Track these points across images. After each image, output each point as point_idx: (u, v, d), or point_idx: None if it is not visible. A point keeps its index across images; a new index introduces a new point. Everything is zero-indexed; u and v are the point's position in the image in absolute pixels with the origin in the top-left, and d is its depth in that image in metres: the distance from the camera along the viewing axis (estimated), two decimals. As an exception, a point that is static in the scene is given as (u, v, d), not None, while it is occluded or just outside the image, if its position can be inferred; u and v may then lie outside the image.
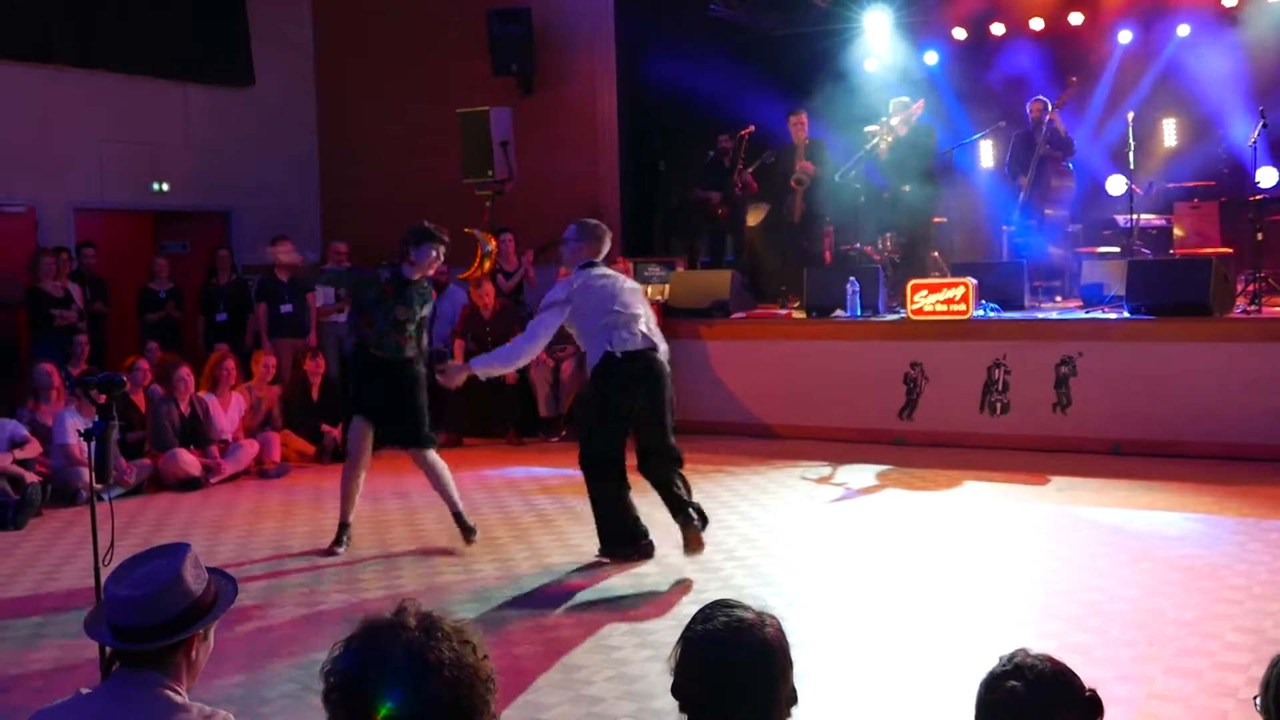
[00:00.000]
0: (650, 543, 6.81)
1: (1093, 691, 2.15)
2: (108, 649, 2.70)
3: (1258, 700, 2.31)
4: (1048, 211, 11.93)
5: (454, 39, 13.90)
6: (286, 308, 11.93)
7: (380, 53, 14.46)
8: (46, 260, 11.23)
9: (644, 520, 6.84)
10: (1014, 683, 2.13)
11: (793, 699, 2.29)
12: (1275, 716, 2.24)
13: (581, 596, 6.22)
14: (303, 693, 4.88)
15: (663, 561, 6.79)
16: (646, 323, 6.76)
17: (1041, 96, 12.09)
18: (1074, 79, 12.07)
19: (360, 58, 14.63)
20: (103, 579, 3.83)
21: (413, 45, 14.20)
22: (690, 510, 6.62)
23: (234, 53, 14.22)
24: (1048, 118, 11.80)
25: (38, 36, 12.42)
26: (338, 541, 7.29)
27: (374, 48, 14.52)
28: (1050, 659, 2.19)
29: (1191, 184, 12.62)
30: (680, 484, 6.74)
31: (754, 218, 13.49)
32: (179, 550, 2.61)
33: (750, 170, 12.79)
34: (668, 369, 6.79)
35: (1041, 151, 11.84)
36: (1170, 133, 13.14)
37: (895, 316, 10.76)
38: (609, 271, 6.91)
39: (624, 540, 6.80)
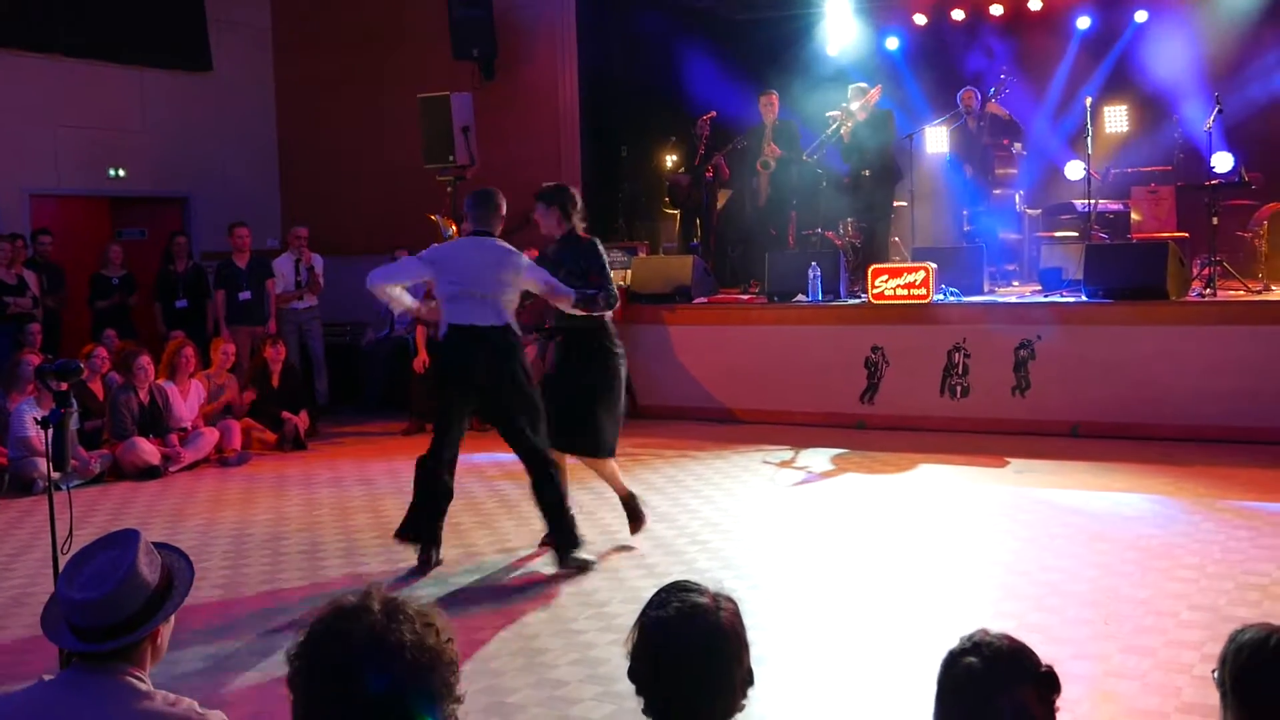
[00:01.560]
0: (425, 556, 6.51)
1: (1049, 668, 2.18)
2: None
3: (1215, 674, 2.36)
4: (995, 192, 12.04)
5: (414, 23, 13.81)
6: (245, 295, 11.84)
7: (339, 37, 14.35)
8: (3, 247, 11.09)
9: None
10: (972, 659, 2.16)
11: (748, 681, 2.31)
12: (1232, 690, 2.29)
13: (545, 581, 6.23)
14: (266, 680, 4.87)
15: (626, 546, 6.82)
16: (503, 299, 6.32)
17: (972, 86, 12.20)
18: (1005, 72, 12.18)
19: (319, 42, 14.51)
20: (60, 568, 3.80)
21: (372, 29, 14.10)
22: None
23: (191, 38, 14.06)
24: (986, 108, 11.91)
25: (-8, 21, 12.26)
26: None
27: (333, 32, 14.40)
28: (1008, 637, 2.22)
29: (1148, 169, 12.75)
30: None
31: (722, 201, 13.51)
32: (129, 540, 2.55)
33: (723, 153, 12.81)
34: (504, 352, 6.32)
35: (983, 141, 11.94)
36: (1127, 118, 13.27)
37: (856, 301, 10.82)
38: (482, 242, 6.46)
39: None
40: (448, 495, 6.59)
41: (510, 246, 6.52)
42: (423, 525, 6.51)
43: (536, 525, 7.33)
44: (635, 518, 6.89)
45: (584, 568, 6.34)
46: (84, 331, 11.79)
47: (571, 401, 6.65)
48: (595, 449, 6.74)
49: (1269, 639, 2.27)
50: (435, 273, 6.46)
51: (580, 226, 6.80)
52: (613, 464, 6.88)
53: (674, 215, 13.75)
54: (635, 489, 8.21)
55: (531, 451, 6.44)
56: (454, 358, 6.38)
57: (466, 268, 6.36)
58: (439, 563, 6.54)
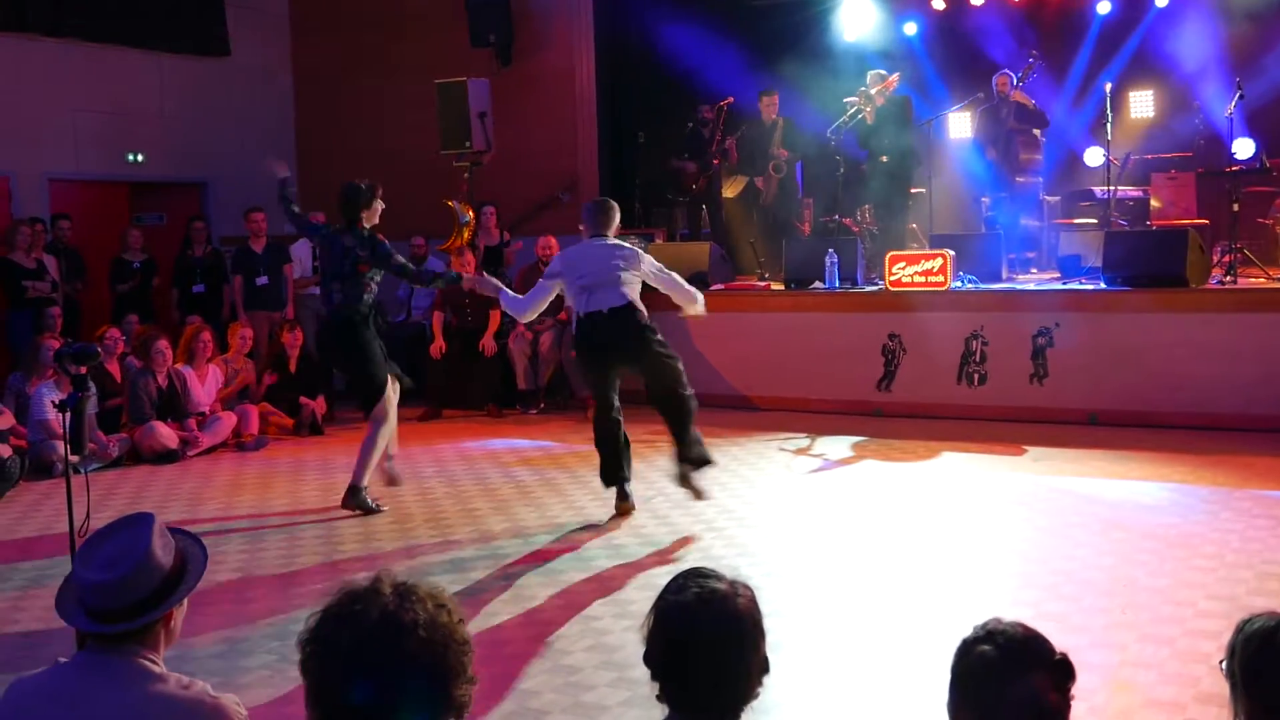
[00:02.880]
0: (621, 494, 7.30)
1: (1064, 655, 2.17)
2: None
3: (1223, 664, 2.34)
4: (1018, 179, 11.97)
5: (431, 9, 13.80)
6: (262, 280, 11.85)
7: (357, 23, 14.35)
8: (23, 231, 11.13)
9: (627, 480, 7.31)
10: (986, 647, 2.15)
11: (764, 668, 2.31)
12: (1240, 680, 2.28)
13: (561, 567, 6.23)
14: (281, 663, 4.88)
15: (641, 533, 6.83)
16: (625, 283, 7.04)
17: (1007, 70, 12.11)
18: (1035, 54, 12.08)
19: (337, 28, 14.51)
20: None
21: (390, 15, 14.10)
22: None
23: (210, 23, 14.08)
24: (1011, 94, 11.82)
25: (10, 5, 12.27)
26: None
27: (351, 18, 14.41)
28: (1022, 625, 2.21)
29: (1169, 155, 12.66)
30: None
31: (731, 190, 13.47)
32: (144, 523, 2.56)
33: (733, 139, 12.76)
34: (637, 326, 7.03)
35: (1009, 126, 11.86)
36: (1148, 104, 13.17)
37: (873, 288, 10.78)
38: (602, 242, 7.22)
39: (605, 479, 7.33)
40: (624, 442, 7.27)
41: (623, 242, 7.28)
42: (612, 473, 7.27)
43: (551, 511, 7.38)
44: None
45: (698, 492, 7.16)
46: (104, 315, 11.83)
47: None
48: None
49: (1277, 628, 2.26)
50: (564, 279, 7.23)
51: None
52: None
53: (681, 202, 13.69)
54: (651, 475, 8.25)
55: (676, 396, 7.08)
56: (595, 339, 7.09)
57: (590, 263, 7.11)
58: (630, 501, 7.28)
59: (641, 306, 7.12)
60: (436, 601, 2.09)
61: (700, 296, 7.55)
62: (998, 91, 12.03)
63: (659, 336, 7.14)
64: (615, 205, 7.51)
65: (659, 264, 7.31)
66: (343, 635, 2.03)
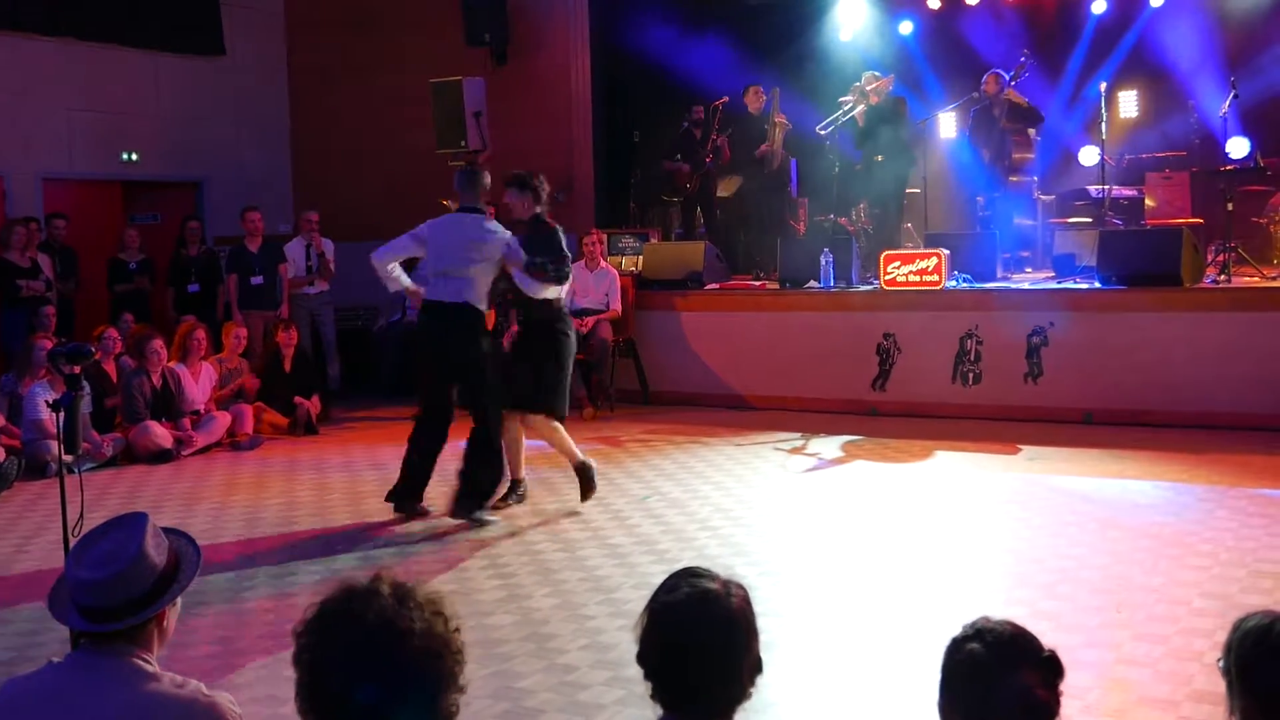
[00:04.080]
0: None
1: (1052, 652, 2.18)
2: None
3: (1220, 662, 2.35)
4: (1012, 179, 11.98)
5: (426, 8, 13.79)
6: (257, 279, 11.82)
7: (352, 22, 14.33)
8: (18, 230, 11.10)
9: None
10: (974, 645, 2.16)
11: (757, 668, 2.32)
12: (1237, 678, 2.28)
13: (555, 566, 6.23)
14: (275, 663, 4.87)
15: (636, 531, 6.83)
16: (470, 276, 6.89)
17: (998, 70, 12.12)
18: (1026, 53, 12.08)
19: (332, 26, 14.49)
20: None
21: (385, 14, 14.08)
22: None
23: (205, 21, 14.05)
24: (1003, 95, 11.83)
25: (4, 3, 12.24)
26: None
27: (346, 17, 14.38)
28: (1011, 623, 2.22)
29: (1163, 154, 12.68)
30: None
31: (726, 188, 13.48)
32: (137, 522, 2.56)
33: (723, 136, 12.75)
34: (467, 329, 6.91)
35: (1002, 125, 11.87)
36: (1142, 103, 13.18)
37: (868, 287, 10.79)
38: (468, 219, 7.09)
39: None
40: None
41: (493, 224, 7.11)
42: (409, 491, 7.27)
43: (547, 510, 7.37)
44: (587, 485, 7.34)
45: (481, 524, 6.95)
46: (99, 315, 11.80)
47: (537, 372, 7.20)
48: (554, 409, 7.29)
49: (1272, 626, 2.26)
50: (425, 249, 7.10)
51: (546, 213, 7.32)
52: (564, 430, 7.40)
53: (675, 203, 13.68)
54: (647, 475, 8.26)
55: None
56: (426, 332, 7.04)
57: (448, 245, 7.00)
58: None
59: (480, 305, 6.99)
60: (434, 608, 2.09)
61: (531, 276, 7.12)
62: (985, 92, 12.05)
63: (485, 350, 7.01)
64: (483, 172, 7.33)
65: (527, 257, 6.95)
66: (338, 633, 2.03)
